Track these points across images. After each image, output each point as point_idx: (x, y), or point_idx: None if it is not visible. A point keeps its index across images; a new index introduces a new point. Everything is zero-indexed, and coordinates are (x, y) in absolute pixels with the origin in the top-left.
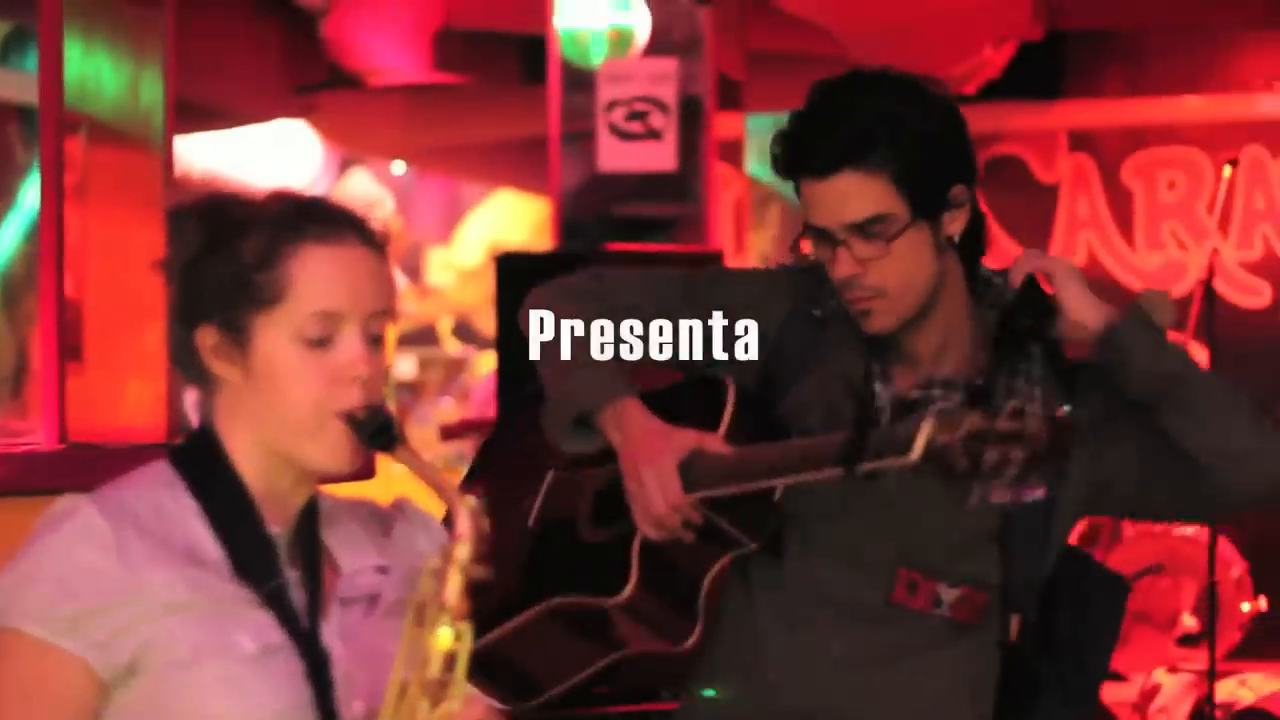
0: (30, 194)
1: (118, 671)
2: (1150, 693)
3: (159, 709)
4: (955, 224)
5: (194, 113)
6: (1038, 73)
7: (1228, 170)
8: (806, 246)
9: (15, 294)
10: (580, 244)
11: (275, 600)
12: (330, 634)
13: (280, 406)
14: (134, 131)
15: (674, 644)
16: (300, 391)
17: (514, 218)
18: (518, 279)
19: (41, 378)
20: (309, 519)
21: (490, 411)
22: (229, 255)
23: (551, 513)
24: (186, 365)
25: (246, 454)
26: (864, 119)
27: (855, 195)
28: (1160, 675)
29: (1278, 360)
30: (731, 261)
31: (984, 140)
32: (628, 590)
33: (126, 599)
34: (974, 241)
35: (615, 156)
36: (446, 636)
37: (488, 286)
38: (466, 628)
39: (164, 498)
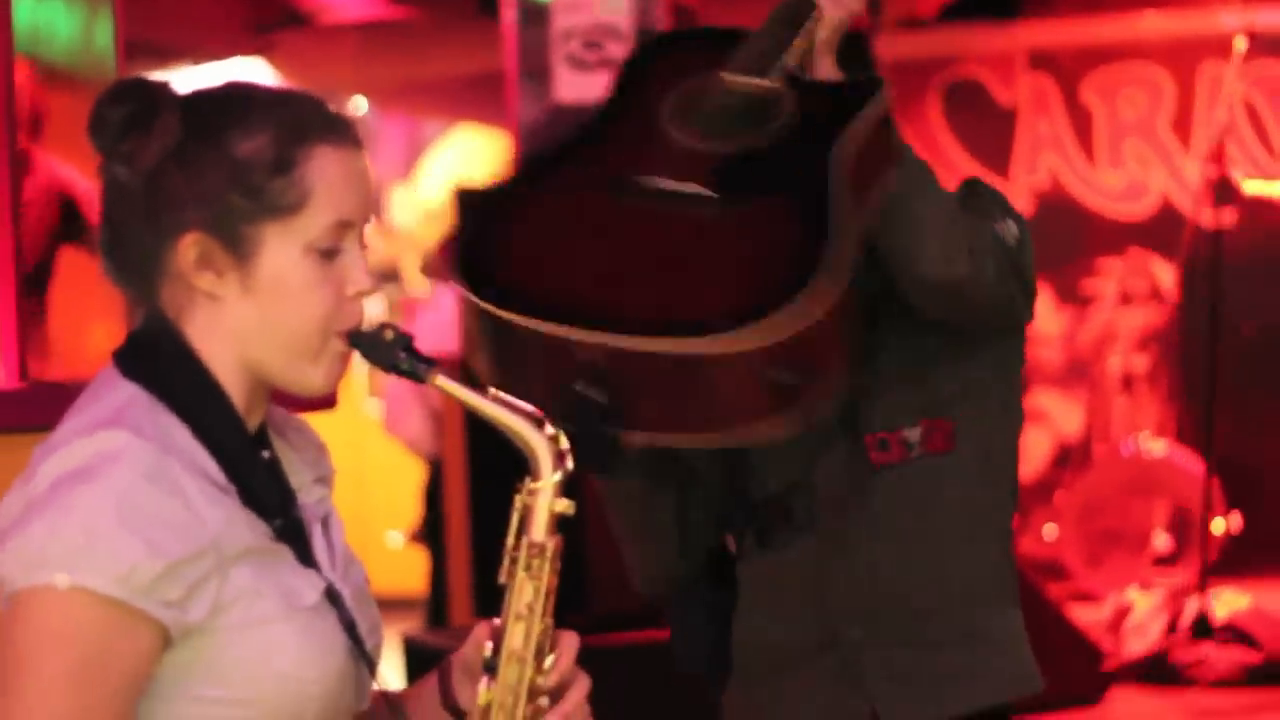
0: None
1: (183, 632)
2: (1123, 612)
3: (218, 668)
4: None
5: (149, 53)
6: None
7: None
8: None
9: None
10: None
11: (290, 538)
12: (325, 568)
13: (284, 324)
14: (88, 75)
15: None
16: (310, 309)
17: (476, 153)
18: None
19: (0, 316)
20: (266, 441)
21: (448, 345)
22: (224, 155)
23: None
24: (147, 279)
25: (227, 375)
26: None
27: None
28: (1133, 594)
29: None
30: None
31: (943, 63)
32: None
33: (201, 549)
34: None
35: (572, 87)
36: (539, 580)
37: (451, 223)
38: (556, 569)
39: (161, 423)
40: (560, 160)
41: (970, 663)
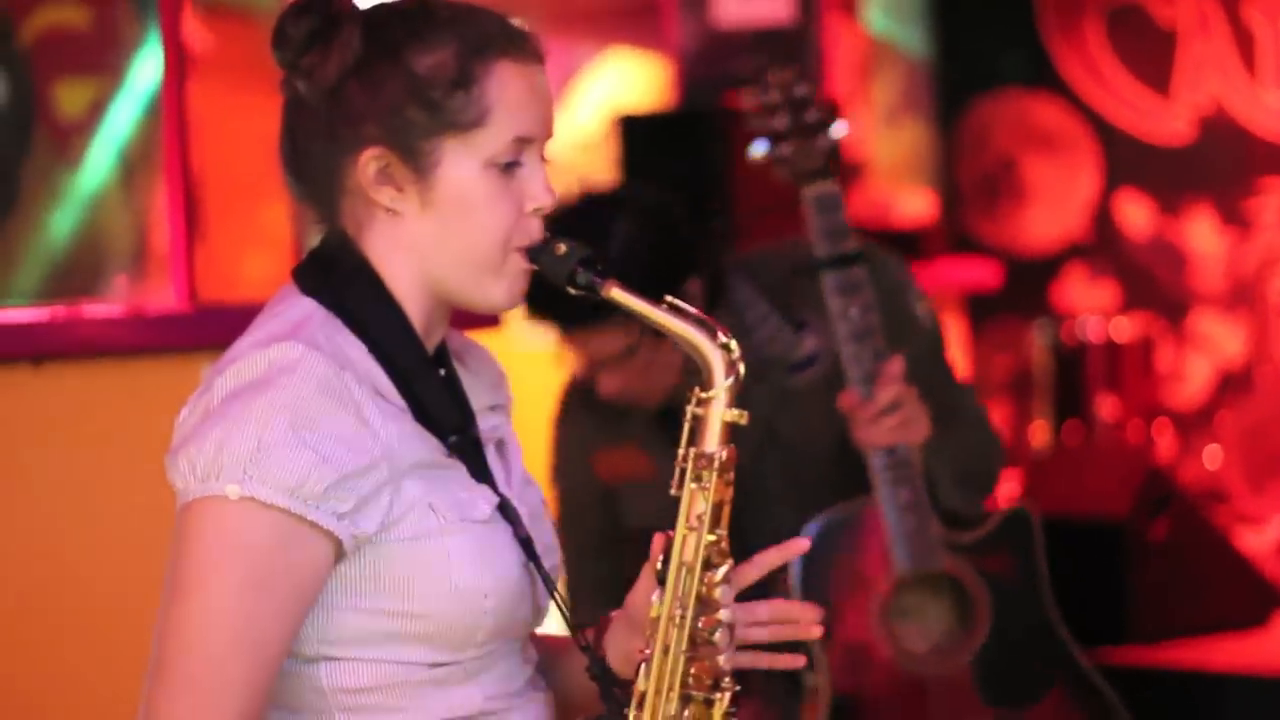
0: (142, 71)
1: (355, 544)
2: None
3: (391, 580)
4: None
5: None
6: None
7: None
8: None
9: (132, 171)
10: (701, 102)
11: (466, 454)
12: (500, 485)
13: (463, 239)
14: (248, 3)
15: None
16: (489, 224)
17: (629, 79)
18: (641, 141)
19: (170, 242)
20: (444, 361)
21: None
22: (405, 69)
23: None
24: (327, 195)
25: (406, 292)
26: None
27: (597, 340)
28: None
29: None
30: (849, 113)
31: None
32: None
33: (373, 461)
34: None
35: (733, 10)
36: (709, 491)
37: (606, 152)
38: (727, 480)
39: (336, 338)
40: None
41: None
